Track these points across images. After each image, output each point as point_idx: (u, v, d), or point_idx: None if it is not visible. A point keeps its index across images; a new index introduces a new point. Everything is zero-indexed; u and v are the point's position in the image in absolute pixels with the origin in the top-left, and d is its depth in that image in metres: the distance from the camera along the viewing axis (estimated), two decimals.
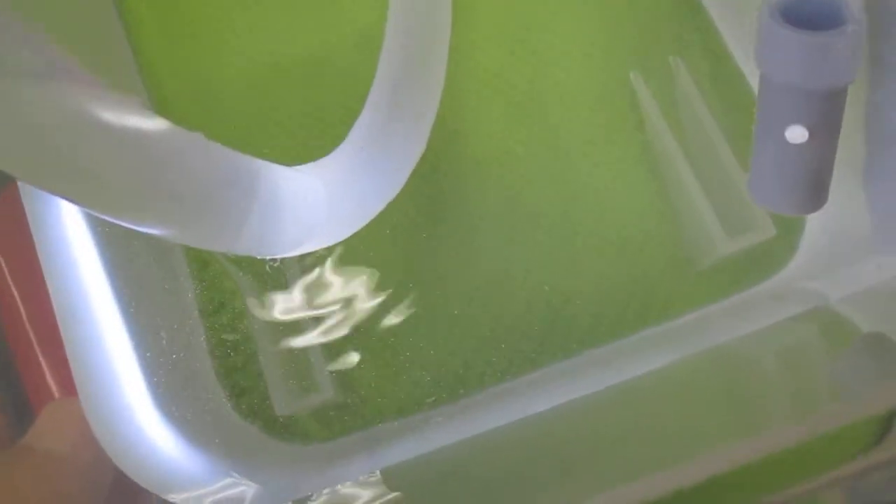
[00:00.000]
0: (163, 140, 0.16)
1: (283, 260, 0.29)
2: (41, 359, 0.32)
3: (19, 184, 0.28)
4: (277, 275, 0.30)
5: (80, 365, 0.23)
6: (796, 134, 0.25)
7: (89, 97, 0.14)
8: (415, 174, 0.28)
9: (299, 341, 0.30)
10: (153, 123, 0.16)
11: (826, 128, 0.25)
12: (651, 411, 0.26)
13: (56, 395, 0.27)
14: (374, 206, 0.23)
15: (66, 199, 0.17)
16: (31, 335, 0.32)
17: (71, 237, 0.25)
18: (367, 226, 0.26)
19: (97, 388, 0.23)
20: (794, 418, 0.23)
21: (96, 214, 0.17)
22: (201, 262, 0.31)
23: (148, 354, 0.26)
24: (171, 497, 0.22)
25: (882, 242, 0.27)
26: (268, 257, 0.22)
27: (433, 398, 0.29)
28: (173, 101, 0.33)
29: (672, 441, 0.24)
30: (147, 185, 0.16)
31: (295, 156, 0.32)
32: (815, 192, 0.27)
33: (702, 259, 0.31)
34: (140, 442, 0.23)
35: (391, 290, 0.31)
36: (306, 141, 0.33)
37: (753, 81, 0.33)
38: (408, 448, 0.27)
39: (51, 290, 0.25)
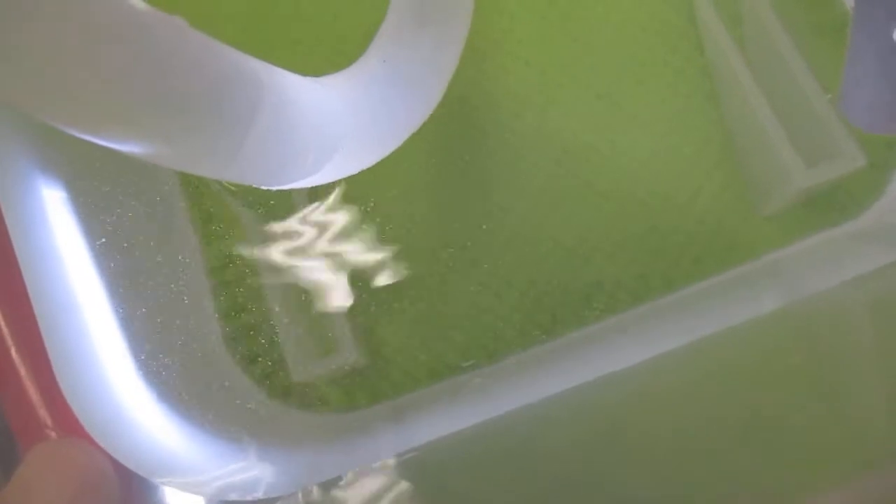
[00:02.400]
0: (133, 24, 0.12)
1: (296, 200, 0.25)
2: (30, 393, 0.27)
3: None
4: (291, 221, 0.27)
5: (53, 333, 0.19)
6: None
7: None
8: (442, 105, 0.24)
9: (316, 298, 0.27)
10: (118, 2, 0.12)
11: None
12: (726, 388, 0.22)
13: (46, 431, 0.23)
14: (404, 126, 0.19)
15: (23, 109, 0.13)
16: (19, 366, 0.27)
17: (45, 197, 0.21)
18: (391, 165, 0.22)
19: (75, 363, 0.19)
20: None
21: (60, 128, 0.13)
22: (206, 215, 0.28)
23: (137, 322, 0.22)
24: (168, 482, 0.19)
25: None
26: (274, 188, 0.18)
27: (470, 361, 0.25)
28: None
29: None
30: (116, 84, 0.12)
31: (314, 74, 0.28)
32: None
33: (777, 195, 0.27)
34: (131, 420, 0.19)
35: (417, 240, 0.27)
36: (327, 56, 0.29)
37: None
38: (440, 419, 0.24)
39: (19, 254, 0.21)
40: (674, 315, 0.26)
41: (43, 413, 0.22)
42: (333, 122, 0.17)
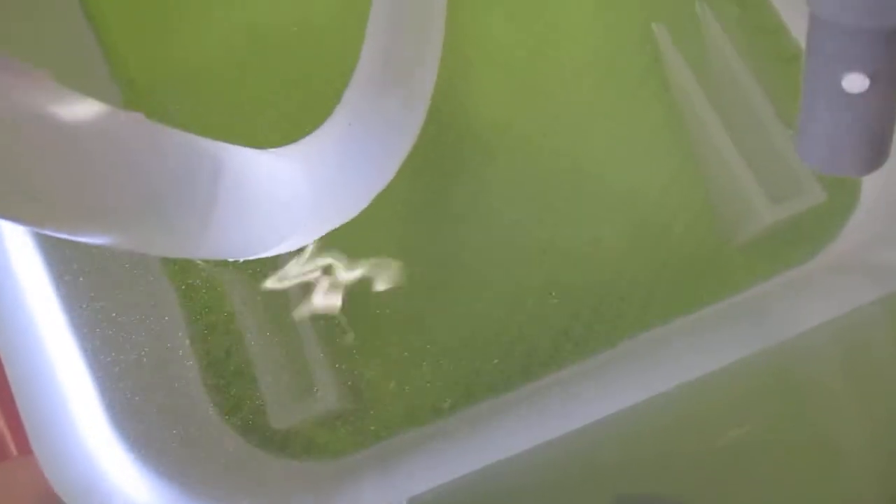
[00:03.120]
0: (91, 125, 0.13)
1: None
2: None
3: None
4: (268, 265, 0.27)
5: (21, 383, 0.20)
6: (855, 82, 0.21)
7: None
8: (415, 150, 0.25)
9: (297, 344, 0.27)
10: (76, 104, 0.13)
11: (889, 74, 0.22)
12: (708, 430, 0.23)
13: (9, 453, 0.23)
14: (367, 192, 0.20)
15: None
16: None
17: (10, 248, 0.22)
18: (365, 212, 0.23)
19: (49, 426, 0.20)
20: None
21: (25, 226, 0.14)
22: (182, 267, 0.28)
23: (113, 378, 0.22)
24: None
25: None
26: (240, 260, 0.19)
27: (447, 401, 0.26)
28: (146, 86, 0.30)
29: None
30: (79, 184, 0.13)
31: (283, 131, 0.29)
32: (875, 150, 0.23)
33: (743, 231, 0.27)
34: (108, 485, 0.20)
35: (393, 278, 0.28)
36: (293, 113, 0.29)
37: (794, 25, 0.29)
38: (426, 464, 0.24)
39: None
40: (645, 360, 0.26)
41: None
42: (300, 195, 0.18)
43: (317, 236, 0.20)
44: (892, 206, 0.25)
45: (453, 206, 0.29)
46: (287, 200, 0.17)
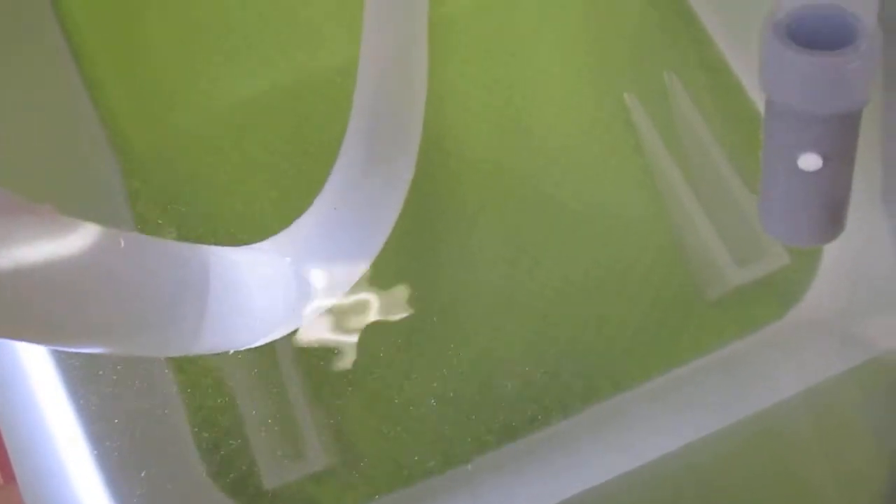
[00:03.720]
0: (91, 252, 0.14)
1: None
2: None
3: None
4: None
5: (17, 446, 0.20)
6: (809, 162, 0.23)
7: None
8: (401, 217, 0.26)
9: (286, 404, 0.28)
10: (77, 233, 0.14)
11: (841, 153, 0.23)
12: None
13: None
14: (353, 273, 0.21)
15: None
16: None
17: None
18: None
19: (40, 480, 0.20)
20: None
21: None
22: None
23: (104, 430, 0.23)
24: None
25: None
26: (234, 350, 0.20)
27: (431, 462, 0.27)
28: (143, 152, 0.31)
29: None
30: (83, 307, 0.14)
31: (281, 188, 0.30)
32: (832, 221, 0.24)
33: (711, 292, 0.29)
34: None
35: (380, 335, 0.29)
36: (291, 176, 0.30)
37: (756, 95, 0.30)
38: None
39: None
40: (620, 428, 0.27)
41: None
42: (289, 286, 0.19)
43: (309, 319, 0.21)
44: (851, 269, 0.27)
45: (437, 268, 0.30)
46: (276, 294, 0.18)
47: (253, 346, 0.19)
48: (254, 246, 0.19)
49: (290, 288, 0.19)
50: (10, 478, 0.25)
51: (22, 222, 0.13)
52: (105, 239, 0.14)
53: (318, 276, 0.20)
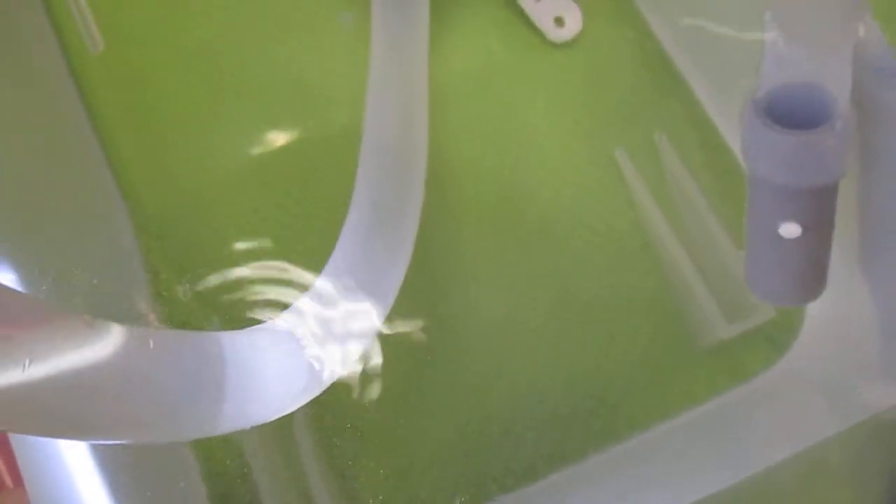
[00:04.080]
0: (121, 353, 0.15)
1: None
2: None
3: None
4: None
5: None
6: (789, 230, 0.24)
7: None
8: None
9: (295, 459, 0.29)
10: (109, 336, 0.15)
11: (819, 222, 0.24)
12: None
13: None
14: (363, 339, 0.22)
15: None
16: None
17: None
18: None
19: None
20: None
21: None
22: None
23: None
24: None
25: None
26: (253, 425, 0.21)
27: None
28: (154, 207, 0.33)
29: None
30: (112, 405, 0.15)
31: (284, 241, 0.31)
32: (813, 283, 0.26)
33: (701, 345, 0.30)
34: None
35: (388, 389, 0.30)
36: (298, 231, 0.32)
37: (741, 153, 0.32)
38: None
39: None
40: (624, 468, 0.29)
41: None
42: (302, 360, 0.20)
43: (323, 388, 0.22)
44: (833, 324, 0.28)
45: (443, 315, 0.31)
46: (291, 373, 0.20)
47: (270, 420, 0.20)
48: (266, 325, 0.20)
49: (303, 365, 0.20)
50: (19, 481, 0.26)
51: (58, 331, 0.14)
52: (133, 339, 0.15)
53: (331, 350, 0.22)
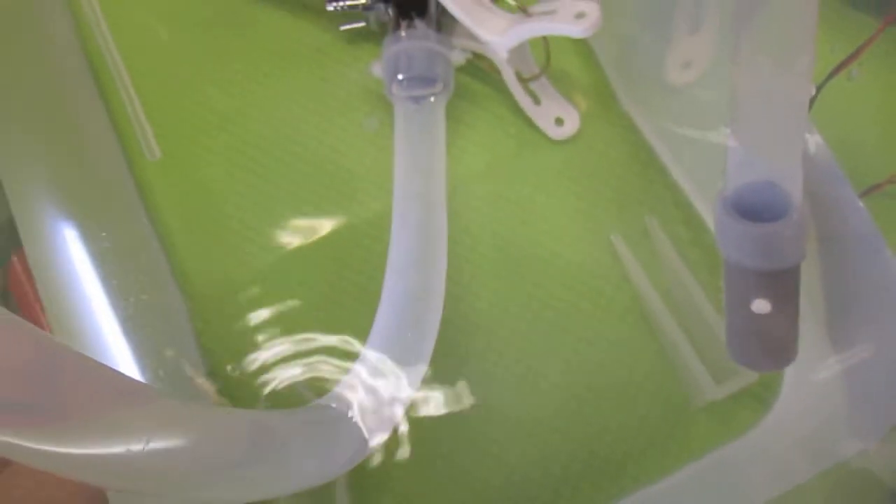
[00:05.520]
0: (187, 427, 0.19)
1: None
2: None
3: None
4: None
5: None
6: (760, 306, 0.28)
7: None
8: None
9: None
10: (176, 411, 0.19)
11: (786, 299, 0.28)
12: None
13: None
14: (394, 422, 0.26)
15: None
16: None
17: None
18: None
19: None
20: None
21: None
22: None
23: None
24: None
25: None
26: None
27: None
28: (208, 300, 0.37)
29: None
30: (182, 471, 0.19)
31: (327, 330, 0.35)
32: (784, 352, 0.30)
33: (693, 406, 0.34)
34: None
35: (402, 467, 0.33)
36: (334, 314, 0.36)
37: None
38: None
39: None
40: None
41: None
42: (334, 445, 0.24)
43: (367, 454, 0.26)
44: (808, 385, 0.32)
45: (458, 394, 0.35)
46: (325, 453, 0.24)
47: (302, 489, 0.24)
48: (309, 407, 0.24)
49: (353, 435, 0.24)
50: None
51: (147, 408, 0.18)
52: (220, 416, 0.20)
53: (375, 420, 0.25)
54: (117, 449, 0.18)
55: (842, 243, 0.29)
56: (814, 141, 0.28)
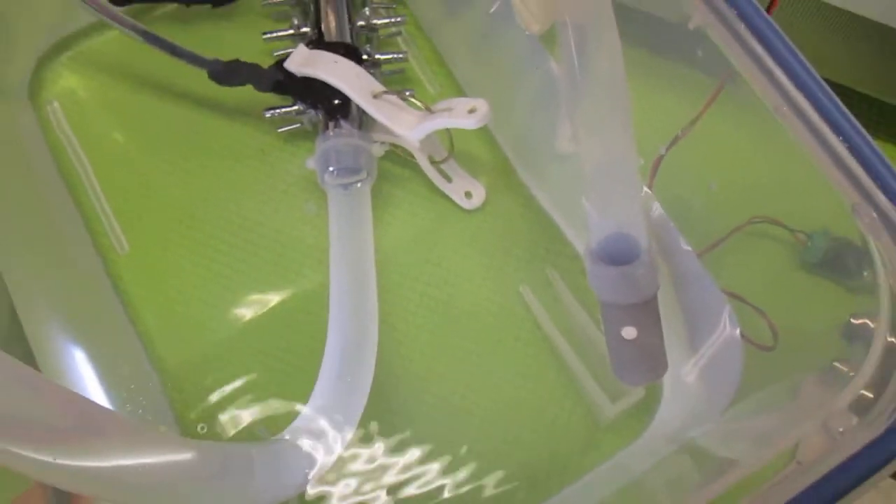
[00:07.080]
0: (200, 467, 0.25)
1: None
2: None
3: None
4: None
5: None
6: (629, 332, 0.35)
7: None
8: None
9: None
10: (178, 449, 0.25)
11: (649, 324, 0.35)
12: None
13: None
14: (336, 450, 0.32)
15: None
16: None
17: None
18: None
19: None
20: None
21: None
22: None
23: None
24: None
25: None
26: None
27: None
28: (178, 372, 0.42)
29: None
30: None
31: (282, 388, 0.41)
32: (655, 367, 0.36)
33: (597, 422, 0.40)
34: None
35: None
36: (288, 374, 0.42)
37: None
38: None
39: None
40: None
41: None
42: (291, 468, 0.30)
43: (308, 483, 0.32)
44: (682, 387, 0.39)
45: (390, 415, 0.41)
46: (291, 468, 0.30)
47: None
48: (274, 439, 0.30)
49: (292, 468, 0.30)
50: None
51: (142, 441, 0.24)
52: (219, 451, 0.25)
53: (315, 455, 0.31)
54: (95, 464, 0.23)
55: (684, 278, 0.36)
56: (655, 206, 0.36)
